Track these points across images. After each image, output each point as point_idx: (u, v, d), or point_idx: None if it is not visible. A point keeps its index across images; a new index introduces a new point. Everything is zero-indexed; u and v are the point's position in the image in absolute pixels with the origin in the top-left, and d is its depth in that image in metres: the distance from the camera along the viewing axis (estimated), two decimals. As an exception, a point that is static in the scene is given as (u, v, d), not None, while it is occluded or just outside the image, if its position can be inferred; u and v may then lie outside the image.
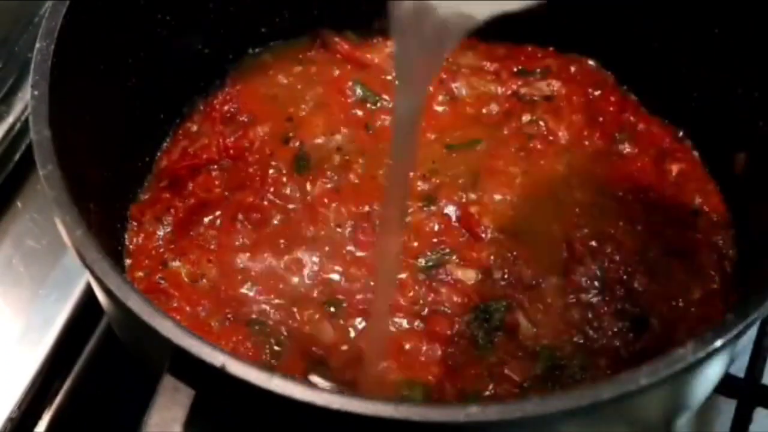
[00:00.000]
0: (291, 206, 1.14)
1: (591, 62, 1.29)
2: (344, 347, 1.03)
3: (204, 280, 1.08)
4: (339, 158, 1.18)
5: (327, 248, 1.11)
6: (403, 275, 1.08)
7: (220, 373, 0.74)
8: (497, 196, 1.15)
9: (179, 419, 0.74)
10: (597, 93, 1.26)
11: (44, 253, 1.21)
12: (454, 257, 1.10)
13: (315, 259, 1.10)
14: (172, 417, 0.74)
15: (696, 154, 1.20)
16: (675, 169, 1.18)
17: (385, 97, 1.24)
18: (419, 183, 1.16)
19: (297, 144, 1.19)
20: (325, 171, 1.16)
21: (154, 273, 1.09)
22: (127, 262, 1.11)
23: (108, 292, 0.80)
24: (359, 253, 1.10)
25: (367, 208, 1.13)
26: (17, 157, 1.26)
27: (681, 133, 1.22)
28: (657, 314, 1.06)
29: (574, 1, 1.25)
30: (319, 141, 1.19)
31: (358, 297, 1.07)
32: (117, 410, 1.14)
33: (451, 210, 1.14)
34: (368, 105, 1.24)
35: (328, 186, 1.15)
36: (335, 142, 1.19)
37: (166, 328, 0.76)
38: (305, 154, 1.18)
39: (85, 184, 1.01)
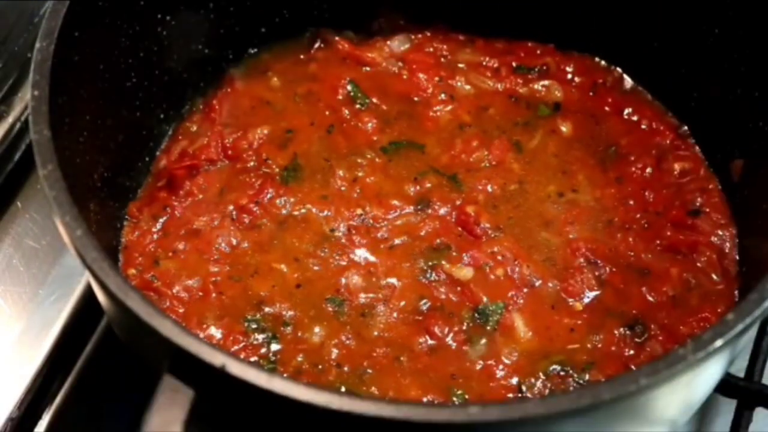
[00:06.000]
0: (284, 212, 1.14)
1: (590, 60, 1.29)
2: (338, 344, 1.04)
3: (197, 279, 1.08)
4: (327, 164, 1.18)
5: (324, 249, 1.11)
6: (402, 275, 1.08)
7: (220, 373, 0.74)
8: (494, 196, 1.15)
9: (179, 419, 0.74)
10: (596, 91, 1.26)
11: (44, 253, 1.22)
12: (452, 256, 1.10)
13: (311, 259, 1.10)
14: (172, 417, 0.74)
15: (698, 150, 1.20)
16: (677, 167, 1.18)
17: (375, 100, 1.25)
18: (410, 186, 1.16)
19: (292, 148, 1.19)
20: (316, 176, 1.17)
21: (147, 271, 1.09)
22: (120, 259, 1.11)
23: (108, 291, 0.80)
24: (355, 253, 1.11)
25: (359, 211, 1.13)
26: (17, 157, 1.26)
27: (683, 129, 1.22)
28: (657, 315, 1.05)
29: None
30: (313, 146, 1.20)
31: (357, 296, 1.07)
32: (117, 410, 1.14)
33: (446, 210, 1.14)
34: (356, 105, 1.24)
35: (318, 192, 1.15)
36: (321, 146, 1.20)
37: (166, 327, 0.76)
38: (298, 163, 1.18)
39: (85, 184, 1.01)
